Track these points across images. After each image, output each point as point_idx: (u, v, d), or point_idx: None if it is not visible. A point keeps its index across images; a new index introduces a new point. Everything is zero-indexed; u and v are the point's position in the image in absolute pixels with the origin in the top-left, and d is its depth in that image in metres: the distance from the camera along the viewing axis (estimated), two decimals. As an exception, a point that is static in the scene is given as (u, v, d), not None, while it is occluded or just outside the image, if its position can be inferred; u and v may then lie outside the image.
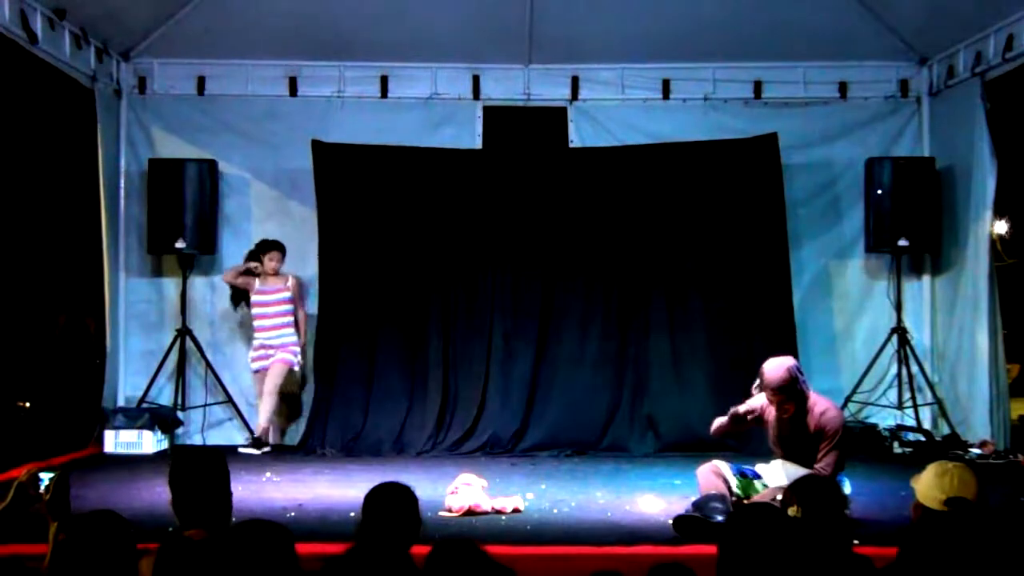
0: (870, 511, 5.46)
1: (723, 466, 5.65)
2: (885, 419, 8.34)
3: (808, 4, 8.04)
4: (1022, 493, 5.90)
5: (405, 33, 8.41)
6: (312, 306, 8.57)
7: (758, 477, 5.65)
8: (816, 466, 5.41)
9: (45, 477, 5.42)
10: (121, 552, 3.09)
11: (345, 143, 8.59)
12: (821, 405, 5.51)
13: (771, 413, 5.64)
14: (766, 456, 5.80)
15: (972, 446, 7.61)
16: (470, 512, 5.70)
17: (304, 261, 8.61)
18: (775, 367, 5.50)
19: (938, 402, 8.39)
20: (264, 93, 8.80)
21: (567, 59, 8.75)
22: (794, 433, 5.55)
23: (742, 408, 5.67)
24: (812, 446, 5.48)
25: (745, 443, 7.21)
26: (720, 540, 3.11)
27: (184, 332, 8.50)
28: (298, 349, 8.30)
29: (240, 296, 8.45)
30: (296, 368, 8.35)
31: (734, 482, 5.58)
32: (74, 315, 8.13)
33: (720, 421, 5.77)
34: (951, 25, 8.00)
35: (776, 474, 5.55)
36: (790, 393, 5.46)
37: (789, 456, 5.59)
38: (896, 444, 7.88)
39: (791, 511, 3.44)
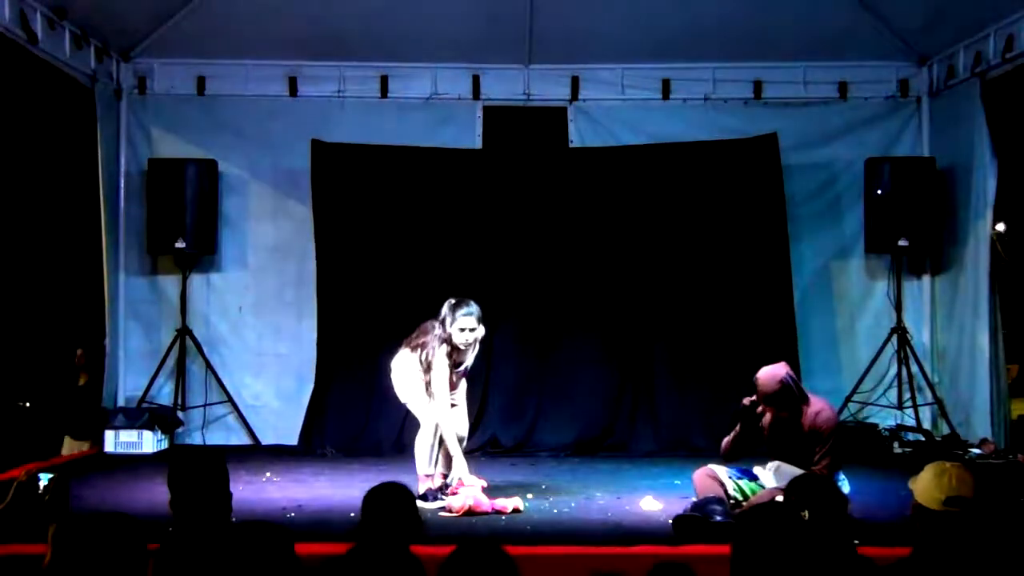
0: (870, 511, 5.45)
1: (719, 470, 5.67)
2: (885, 419, 8.34)
3: (808, 4, 8.04)
4: (1022, 493, 5.89)
5: (405, 33, 8.41)
6: (311, 306, 8.57)
7: (755, 479, 5.65)
8: (813, 468, 5.41)
9: (44, 477, 5.44)
10: (131, 556, 3.07)
11: (345, 143, 8.60)
12: (816, 406, 5.52)
13: (767, 415, 5.65)
14: (763, 458, 5.80)
15: (972, 446, 7.61)
16: (470, 512, 5.71)
17: (304, 261, 8.61)
18: (768, 378, 5.52)
19: (938, 402, 8.39)
20: (264, 93, 8.79)
21: (567, 59, 8.74)
22: (790, 434, 5.56)
23: (747, 400, 5.67)
24: (808, 446, 5.50)
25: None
26: (735, 540, 3.11)
27: (184, 332, 8.50)
28: None
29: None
30: None
31: (730, 485, 5.59)
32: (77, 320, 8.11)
33: (728, 439, 5.70)
34: (951, 25, 8.00)
35: (773, 476, 5.55)
36: (783, 403, 5.49)
37: (785, 457, 5.60)
38: (896, 444, 7.87)
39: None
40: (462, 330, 6.13)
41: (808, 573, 3.05)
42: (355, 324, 8.33)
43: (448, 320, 6.15)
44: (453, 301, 6.22)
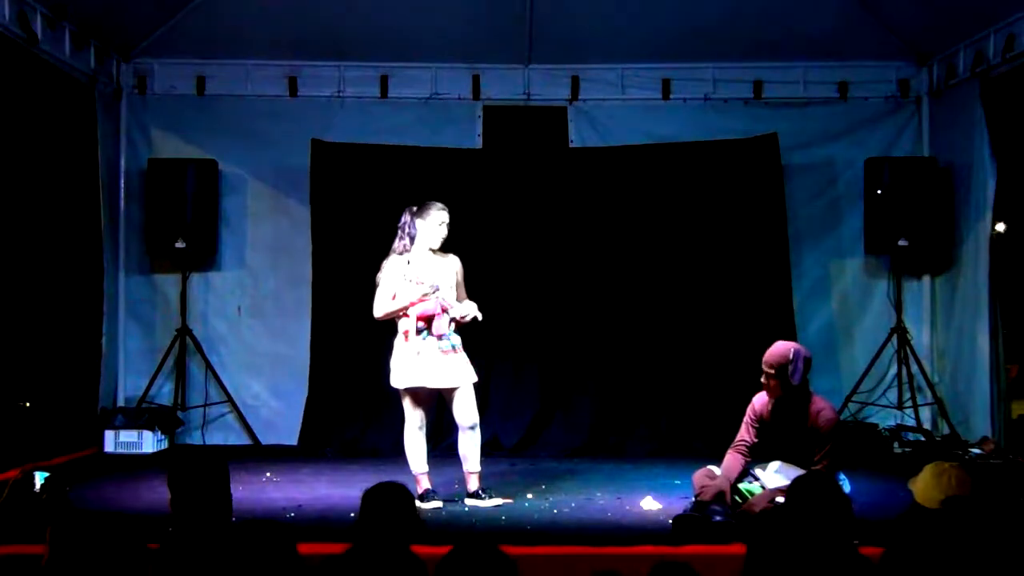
0: (870, 511, 5.45)
1: (719, 471, 5.65)
2: (885, 419, 8.34)
3: (808, 4, 8.04)
4: (1022, 493, 5.89)
5: (405, 33, 8.41)
6: (307, 305, 8.57)
7: (755, 479, 5.64)
8: (813, 468, 5.41)
9: (40, 476, 5.44)
10: (131, 556, 3.07)
11: (345, 143, 8.60)
12: (818, 405, 5.52)
13: (764, 407, 5.64)
14: (763, 459, 5.79)
15: (972, 446, 7.61)
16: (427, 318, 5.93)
17: (303, 261, 8.61)
18: (780, 344, 5.56)
19: (938, 402, 8.39)
20: (264, 93, 8.79)
21: (567, 59, 8.74)
22: (790, 431, 5.55)
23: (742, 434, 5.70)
24: (808, 445, 5.49)
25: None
26: (750, 542, 3.11)
27: (184, 332, 8.50)
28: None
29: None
30: None
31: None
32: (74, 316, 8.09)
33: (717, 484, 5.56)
34: (951, 25, 7.99)
35: (774, 476, 5.55)
36: (779, 373, 5.45)
37: (786, 455, 5.59)
38: (896, 444, 7.87)
39: None
40: (440, 224, 6.13)
41: (813, 573, 3.05)
42: (354, 324, 8.31)
43: (419, 222, 6.15)
44: (414, 207, 6.21)
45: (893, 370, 8.47)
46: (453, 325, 6.10)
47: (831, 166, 8.80)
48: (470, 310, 6.13)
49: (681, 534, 5.11)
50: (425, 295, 6.01)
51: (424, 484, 6.08)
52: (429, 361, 6.00)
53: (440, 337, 6.00)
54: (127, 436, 7.98)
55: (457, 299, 6.17)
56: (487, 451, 8.07)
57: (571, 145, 8.85)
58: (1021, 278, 8.29)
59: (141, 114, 8.77)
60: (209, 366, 8.53)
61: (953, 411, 8.22)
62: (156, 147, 8.71)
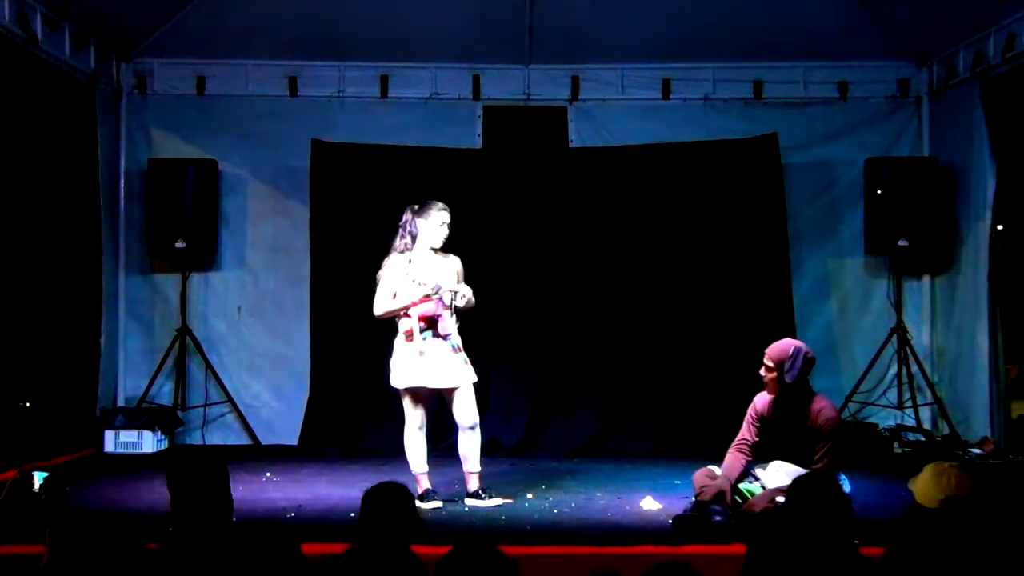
0: (870, 511, 5.45)
1: (719, 471, 5.65)
2: (885, 419, 8.34)
3: (808, 4, 8.04)
4: (1022, 493, 5.89)
5: (405, 33, 8.41)
6: (307, 305, 8.57)
7: (755, 479, 5.64)
8: (814, 467, 5.41)
9: (39, 476, 5.44)
10: (131, 556, 3.06)
11: (345, 143, 8.60)
12: (818, 404, 5.52)
13: (765, 405, 5.64)
14: (764, 459, 5.80)
15: (972, 446, 7.61)
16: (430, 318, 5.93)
17: (303, 261, 8.61)
18: (787, 340, 5.57)
19: (938, 402, 8.39)
20: (264, 93, 8.79)
21: (567, 59, 8.74)
22: (791, 430, 5.55)
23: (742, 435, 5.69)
24: (808, 444, 5.49)
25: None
26: (750, 542, 3.12)
27: (184, 332, 8.50)
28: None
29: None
30: None
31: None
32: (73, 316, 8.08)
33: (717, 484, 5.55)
34: (951, 25, 8.00)
35: (774, 475, 5.55)
36: (777, 366, 5.45)
37: (785, 455, 5.59)
38: (896, 444, 7.87)
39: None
40: (441, 224, 6.12)
41: (813, 573, 3.06)
42: (354, 324, 8.31)
43: (420, 221, 6.15)
44: (416, 206, 6.20)
45: (893, 370, 8.47)
46: (454, 320, 6.09)
47: (831, 166, 8.80)
48: (468, 292, 6.14)
49: (681, 534, 5.11)
50: (427, 296, 6.01)
51: (424, 484, 6.09)
52: (431, 361, 6.00)
53: (446, 337, 6.00)
54: (127, 436, 7.98)
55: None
56: (487, 451, 8.07)
57: (571, 145, 8.86)
58: (1021, 278, 8.30)
59: (141, 114, 8.77)
60: (209, 366, 8.53)
61: (953, 411, 8.22)
62: (156, 147, 8.71)
